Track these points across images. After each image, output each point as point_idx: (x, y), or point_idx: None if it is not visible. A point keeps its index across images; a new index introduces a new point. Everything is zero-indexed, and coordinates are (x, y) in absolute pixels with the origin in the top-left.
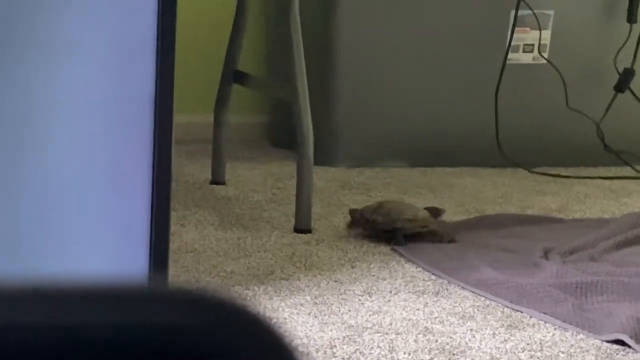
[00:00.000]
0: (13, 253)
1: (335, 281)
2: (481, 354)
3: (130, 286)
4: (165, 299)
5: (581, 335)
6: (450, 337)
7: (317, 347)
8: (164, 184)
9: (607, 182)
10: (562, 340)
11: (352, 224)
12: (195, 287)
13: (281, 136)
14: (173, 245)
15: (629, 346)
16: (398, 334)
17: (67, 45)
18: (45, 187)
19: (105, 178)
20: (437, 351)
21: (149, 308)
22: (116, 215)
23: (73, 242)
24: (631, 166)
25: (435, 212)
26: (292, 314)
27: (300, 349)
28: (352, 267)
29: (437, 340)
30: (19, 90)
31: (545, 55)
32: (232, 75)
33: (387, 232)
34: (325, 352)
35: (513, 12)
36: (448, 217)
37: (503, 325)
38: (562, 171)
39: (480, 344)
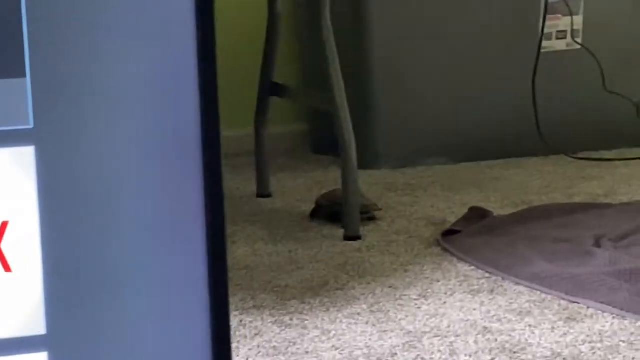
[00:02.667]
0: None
1: (390, 287)
2: (542, 350)
3: None
4: None
5: None
6: (510, 335)
7: (378, 356)
8: (219, 231)
9: None
10: (621, 329)
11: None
12: None
13: (322, 142)
14: None
15: None
16: (457, 336)
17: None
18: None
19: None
20: (497, 350)
21: None
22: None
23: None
24: None
25: (482, 212)
26: (350, 324)
27: None
28: (405, 271)
29: (496, 340)
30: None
31: (579, 40)
32: (269, 88)
33: (332, 214)
34: None
35: (543, 0)
36: (496, 211)
37: (561, 318)
38: (605, 154)
39: (540, 340)
